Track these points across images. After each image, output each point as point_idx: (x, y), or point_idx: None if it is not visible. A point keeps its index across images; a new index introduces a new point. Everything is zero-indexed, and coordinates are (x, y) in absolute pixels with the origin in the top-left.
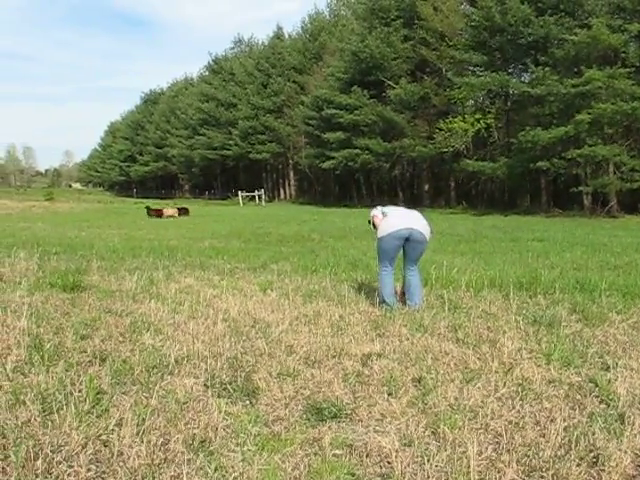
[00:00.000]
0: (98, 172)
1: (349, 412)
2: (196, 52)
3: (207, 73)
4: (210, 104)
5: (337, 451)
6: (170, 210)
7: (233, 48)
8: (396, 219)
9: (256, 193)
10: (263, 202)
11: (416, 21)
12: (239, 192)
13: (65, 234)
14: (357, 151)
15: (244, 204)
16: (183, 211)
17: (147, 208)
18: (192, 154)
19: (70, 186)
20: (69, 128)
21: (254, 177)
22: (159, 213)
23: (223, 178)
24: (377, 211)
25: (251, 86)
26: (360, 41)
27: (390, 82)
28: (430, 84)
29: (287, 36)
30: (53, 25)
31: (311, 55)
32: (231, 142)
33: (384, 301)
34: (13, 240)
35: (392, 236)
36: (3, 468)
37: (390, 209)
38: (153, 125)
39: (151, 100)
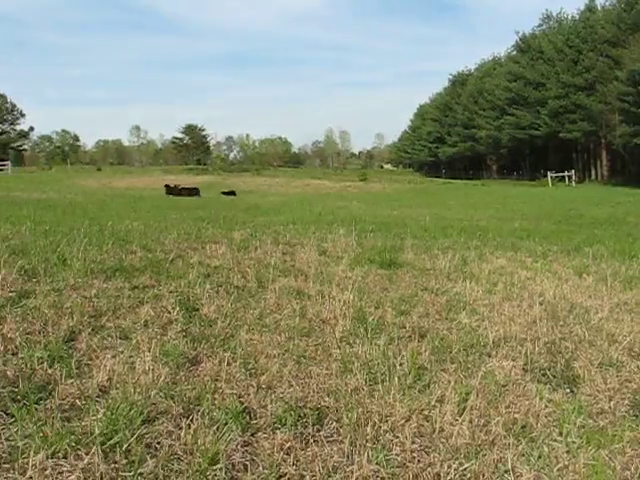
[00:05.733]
0: (408, 153)
1: None
2: (504, 32)
3: (515, 52)
4: (518, 84)
5: None
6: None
7: (541, 25)
8: None
9: (565, 174)
10: (573, 183)
11: None
12: (548, 173)
13: (378, 213)
14: None
15: (553, 185)
16: (194, 191)
17: (166, 186)
18: (500, 135)
19: (381, 167)
20: (381, 112)
21: (563, 157)
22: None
23: (531, 158)
24: None
25: (561, 63)
26: None
27: None
28: None
29: (600, 8)
30: (368, 17)
31: (626, 26)
32: (540, 122)
33: None
34: (332, 217)
35: None
36: (337, 429)
37: None
38: (461, 106)
39: (459, 82)
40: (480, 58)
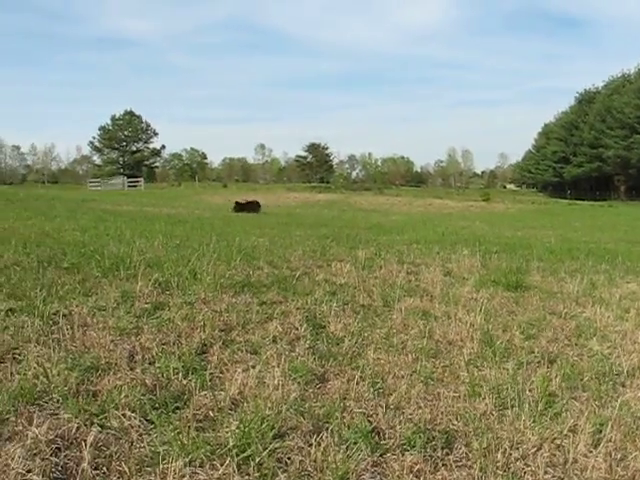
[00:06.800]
0: (531, 173)
1: None
2: (635, 47)
3: None
4: None
5: None
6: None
7: None
8: None
9: None
10: None
11: None
12: None
13: (502, 233)
14: None
15: None
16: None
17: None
18: (629, 154)
19: (504, 187)
20: (504, 131)
21: None
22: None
23: None
24: None
25: None
26: None
27: None
28: None
29: None
30: (489, 34)
31: None
32: None
33: None
34: (456, 238)
35: None
36: (466, 454)
37: None
38: (587, 125)
39: (586, 100)
40: (608, 75)
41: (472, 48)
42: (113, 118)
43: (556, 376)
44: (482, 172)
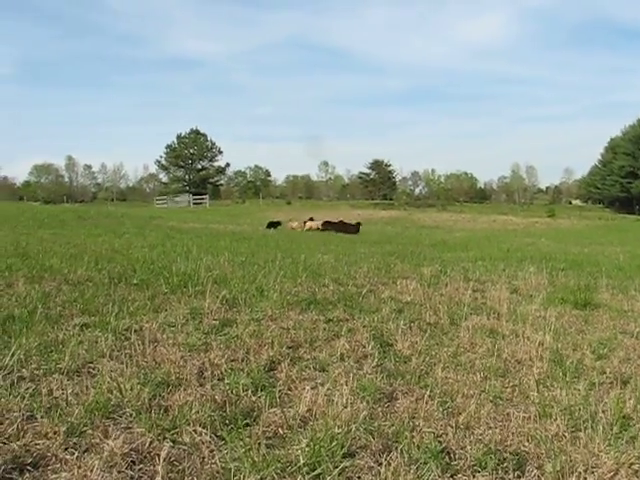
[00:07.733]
0: (598, 189)
1: None
2: None
3: None
4: None
5: None
6: (295, 223)
7: None
8: None
9: None
10: None
11: None
12: None
13: (568, 250)
14: None
15: None
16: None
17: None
18: None
19: (570, 203)
20: (569, 146)
21: None
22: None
23: None
24: None
25: None
26: None
27: None
28: None
29: None
30: (553, 48)
31: None
32: None
33: None
34: (521, 254)
35: None
36: (538, 477)
37: None
38: None
39: None
40: None
41: (535, 63)
42: (179, 137)
43: (630, 398)
44: (547, 188)
